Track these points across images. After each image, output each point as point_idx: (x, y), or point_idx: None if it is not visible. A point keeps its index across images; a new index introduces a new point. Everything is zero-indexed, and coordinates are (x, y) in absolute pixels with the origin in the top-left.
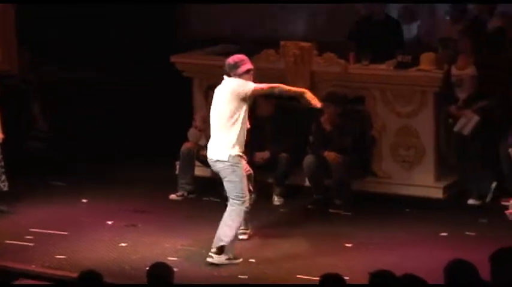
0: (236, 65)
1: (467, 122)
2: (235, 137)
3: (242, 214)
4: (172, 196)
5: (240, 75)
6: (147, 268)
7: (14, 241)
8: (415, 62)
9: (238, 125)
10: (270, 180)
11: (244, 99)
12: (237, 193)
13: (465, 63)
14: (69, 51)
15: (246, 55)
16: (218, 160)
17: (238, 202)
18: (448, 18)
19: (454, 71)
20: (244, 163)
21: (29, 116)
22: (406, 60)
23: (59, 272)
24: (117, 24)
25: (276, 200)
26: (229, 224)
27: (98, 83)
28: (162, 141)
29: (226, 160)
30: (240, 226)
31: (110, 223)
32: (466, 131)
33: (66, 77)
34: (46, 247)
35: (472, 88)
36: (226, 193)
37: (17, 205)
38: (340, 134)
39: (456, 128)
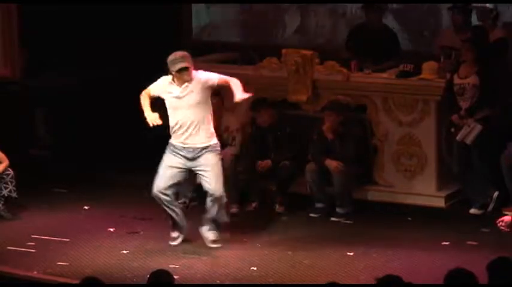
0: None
1: (470, 131)
2: None
3: None
4: None
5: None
6: (148, 275)
7: (16, 247)
8: (417, 70)
9: None
10: (272, 188)
11: None
12: None
13: (468, 72)
14: (69, 57)
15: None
16: None
17: None
18: (451, 27)
19: (456, 80)
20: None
21: (31, 122)
22: (408, 69)
23: (61, 279)
24: (118, 32)
25: (278, 208)
26: None
27: (97, 89)
28: (165, 148)
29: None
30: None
31: (111, 230)
32: (469, 140)
33: (66, 82)
34: (48, 253)
35: (474, 97)
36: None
37: (19, 211)
38: (342, 143)
39: (458, 137)
